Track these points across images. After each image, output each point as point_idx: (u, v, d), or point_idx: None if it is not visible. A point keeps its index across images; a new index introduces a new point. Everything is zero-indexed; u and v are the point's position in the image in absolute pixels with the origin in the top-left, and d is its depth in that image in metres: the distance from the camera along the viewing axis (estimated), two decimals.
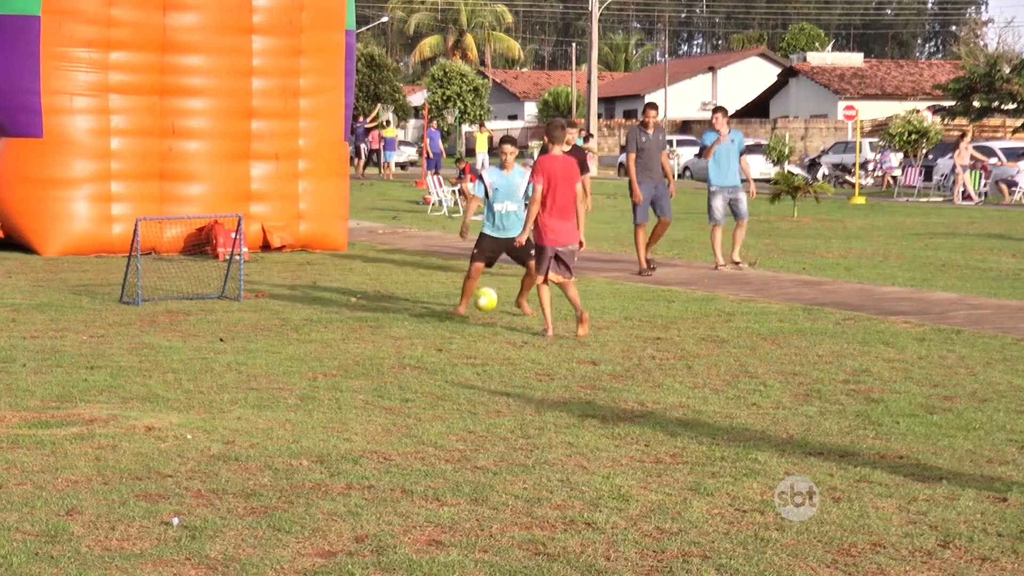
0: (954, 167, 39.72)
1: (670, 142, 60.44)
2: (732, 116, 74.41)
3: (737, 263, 19.63)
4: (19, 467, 7.89)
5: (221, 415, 9.41)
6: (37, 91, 20.96)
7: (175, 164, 21.75)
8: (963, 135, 40.82)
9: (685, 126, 76.15)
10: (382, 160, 57.50)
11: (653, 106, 19.46)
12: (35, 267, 19.50)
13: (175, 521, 6.82)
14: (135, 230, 15.78)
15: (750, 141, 43.99)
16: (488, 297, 14.08)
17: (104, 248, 21.28)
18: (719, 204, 19.65)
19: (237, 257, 16.23)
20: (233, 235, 17.14)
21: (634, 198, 18.99)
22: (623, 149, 66.49)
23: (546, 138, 13.67)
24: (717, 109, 20.24)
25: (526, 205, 13.94)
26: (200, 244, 21.63)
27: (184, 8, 21.60)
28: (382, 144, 57.57)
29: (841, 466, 8.03)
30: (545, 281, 13.27)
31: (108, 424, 9.06)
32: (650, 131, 19.24)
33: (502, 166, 14.41)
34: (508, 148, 14.25)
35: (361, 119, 58.24)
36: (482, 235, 14.52)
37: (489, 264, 14.61)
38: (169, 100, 21.69)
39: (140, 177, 21.54)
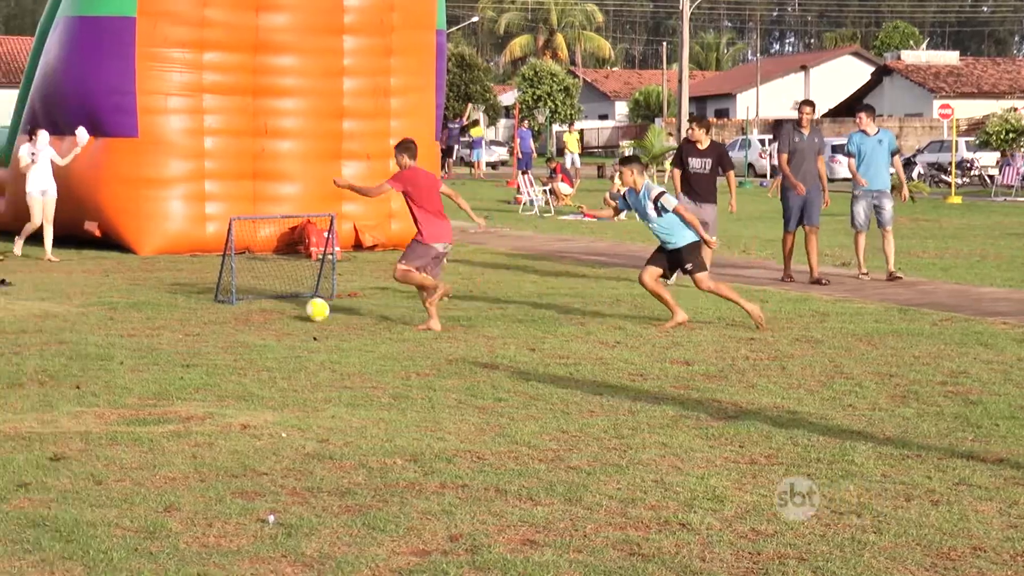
0: None
1: (763, 141, 59.91)
2: (825, 115, 74.16)
3: (892, 273, 17.87)
4: (118, 464, 7.98)
5: (315, 413, 9.46)
6: (132, 91, 21.23)
7: (268, 164, 21.95)
8: None
9: (777, 125, 75.60)
10: (472, 159, 57.91)
11: (809, 103, 18.00)
12: (131, 266, 19.75)
13: (271, 519, 6.86)
14: (229, 229, 15.92)
15: (842, 140, 43.34)
16: (316, 309, 14.12)
17: (199, 247, 21.50)
18: (861, 209, 17.93)
19: (330, 256, 16.34)
20: (326, 234, 17.24)
21: (773, 193, 17.59)
22: None
23: (404, 156, 13.79)
24: (863, 108, 18.36)
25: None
26: (293, 243, 21.80)
27: (277, 9, 21.79)
28: (470, 142, 58.05)
29: (940, 468, 7.92)
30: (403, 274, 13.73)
31: (204, 422, 9.14)
32: (805, 131, 17.76)
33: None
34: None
35: (457, 120, 58.44)
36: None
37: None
38: (262, 100, 21.89)
39: (233, 177, 21.75)
